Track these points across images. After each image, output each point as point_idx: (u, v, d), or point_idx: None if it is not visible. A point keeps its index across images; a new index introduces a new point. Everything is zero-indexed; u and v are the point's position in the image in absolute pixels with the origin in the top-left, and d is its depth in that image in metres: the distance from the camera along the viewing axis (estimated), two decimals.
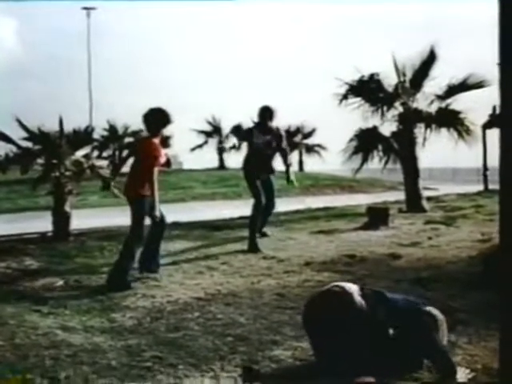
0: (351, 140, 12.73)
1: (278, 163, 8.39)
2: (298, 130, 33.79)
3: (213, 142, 34.39)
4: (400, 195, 13.62)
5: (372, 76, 12.40)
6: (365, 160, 12.69)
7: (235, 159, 28.14)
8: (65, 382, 3.44)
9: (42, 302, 5.30)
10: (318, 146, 34.50)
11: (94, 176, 9.34)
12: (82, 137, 9.78)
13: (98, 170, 9.26)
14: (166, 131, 6.56)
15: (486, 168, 17.93)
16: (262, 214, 8.06)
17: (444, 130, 12.52)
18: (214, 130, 34.23)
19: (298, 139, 33.24)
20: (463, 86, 12.38)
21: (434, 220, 9.99)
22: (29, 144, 9.37)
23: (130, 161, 6.41)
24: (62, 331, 4.42)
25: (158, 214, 6.10)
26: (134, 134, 25.27)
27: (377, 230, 9.02)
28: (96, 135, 18.82)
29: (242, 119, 25.10)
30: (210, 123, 34.23)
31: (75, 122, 10.52)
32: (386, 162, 12.67)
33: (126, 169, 6.49)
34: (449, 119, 12.43)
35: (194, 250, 7.79)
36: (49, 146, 9.18)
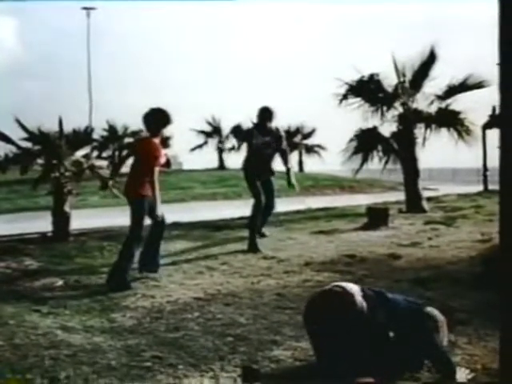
0: (351, 140, 12.72)
1: (277, 164, 8.40)
2: (298, 131, 33.78)
3: (213, 143, 34.40)
4: (400, 195, 13.62)
5: (372, 76, 12.39)
6: (365, 160, 12.68)
7: (235, 159, 28.16)
8: (64, 381, 3.44)
9: (42, 302, 5.31)
10: (318, 146, 34.50)
11: (93, 176, 9.34)
12: (82, 137, 9.79)
13: (97, 171, 9.25)
14: (166, 131, 6.56)
15: (485, 168, 17.92)
16: (262, 215, 8.05)
17: (444, 131, 12.51)
18: (214, 131, 34.22)
19: (297, 139, 33.23)
20: (463, 87, 12.38)
21: (434, 220, 9.99)
22: (28, 144, 9.38)
23: (130, 161, 6.41)
24: (62, 331, 4.42)
25: (159, 214, 6.10)
26: (134, 134, 25.28)
27: (377, 231, 9.02)
28: (96, 135, 18.78)
29: (242, 119, 25.12)
30: (209, 123, 34.22)
31: (75, 123, 10.55)
32: (386, 163, 12.66)
33: (126, 169, 6.49)
34: (449, 119, 12.43)
35: (193, 250, 7.79)
36: (48, 146, 9.18)
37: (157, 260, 6.35)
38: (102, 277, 6.13)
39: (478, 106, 13.20)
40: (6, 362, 3.76)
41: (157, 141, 6.18)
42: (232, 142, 32.97)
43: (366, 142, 12.61)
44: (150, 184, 6.00)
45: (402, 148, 12.34)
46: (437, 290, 5.35)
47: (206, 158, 34.19)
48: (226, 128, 33.63)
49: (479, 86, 12.29)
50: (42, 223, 9.42)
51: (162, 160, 6.21)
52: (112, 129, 29.67)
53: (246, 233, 7.97)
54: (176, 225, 9.49)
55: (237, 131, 30.65)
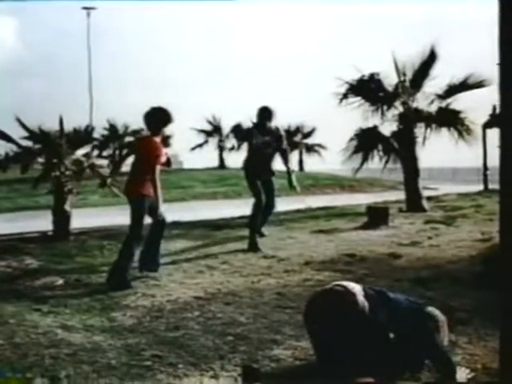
0: (351, 139, 12.73)
1: (278, 163, 8.39)
2: (298, 130, 33.79)
3: (213, 142, 34.42)
4: (400, 195, 13.62)
5: (372, 75, 12.40)
6: (365, 159, 12.69)
7: (235, 158, 28.16)
8: (65, 381, 3.44)
9: (42, 301, 5.31)
10: (318, 145, 34.52)
11: (94, 175, 9.34)
12: (82, 136, 9.79)
13: (98, 169, 9.27)
14: (167, 130, 6.56)
15: (486, 168, 17.92)
16: (262, 214, 8.05)
17: (444, 130, 12.53)
18: (214, 130, 34.23)
19: (297, 139, 33.25)
20: (463, 86, 12.38)
21: (434, 220, 9.99)
22: (29, 143, 9.39)
23: (131, 160, 6.41)
24: (62, 330, 4.42)
25: (160, 212, 6.11)
26: (134, 133, 25.26)
27: (377, 230, 9.03)
28: (96, 134, 18.75)
29: (242, 119, 25.09)
30: (210, 122, 34.23)
31: (75, 122, 10.54)
32: (386, 162, 12.67)
33: (126, 168, 6.50)
34: (449, 119, 12.43)
35: (194, 249, 7.79)
36: (49, 145, 9.19)
37: (157, 259, 6.35)
38: (102, 276, 6.13)
39: (478, 106, 13.23)
40: (6, 361, 3.76)
41: (158, 140, 6.18)
42: (232, 141, 32.98)
43: (366, 142, 12.62)
44: (150, 183, 6.01)
45: (403, 147, 12.35)
46: (437, 289, 5.35)
47: (207, 157, 34.24)
48: (226, 127, 33.69)
49: (479, 85, 12.30)
50: (42, 222, 9.42)
51: (163, 159, 6.22)
52: (112, 128, 29.67)
53: (246, 232, 7.97)
54: (176, 224, 9.50)
55: (237, 130, 30.66)
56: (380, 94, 12.46)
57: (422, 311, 3.55)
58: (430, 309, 3.60)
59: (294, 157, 28.04)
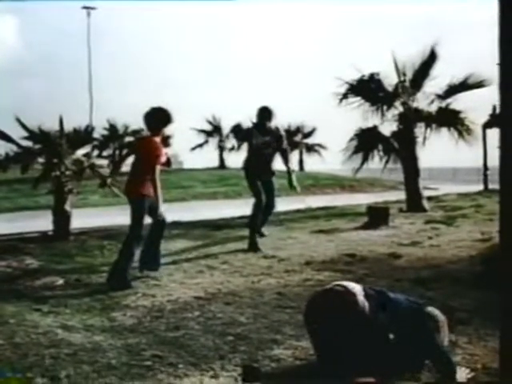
0: (351, 139, 12.73)
1: (278, 163, 8.39)
2: (298, 130, 33.83)
3: (213, 142, 34.45)
4: (400, 195, 13.63)
5: (372, 75, 12.40)
6: (365, 159, 12.69)
7: (235, 158, 28.19)
8: (65, 381, 3.44)
9: (43, 300, 5.31)
10: (319, 145, 34.56)
11: (94, 175, 9.34)
12: (83, 136, 9.80)
13: (98, 169, 9.27)
14: (167, 130, 6.56)
15: (486, 168, 17.93)
16: (262, 214, 8.05)
17: (444, 130, 12.53)
18: (215, 130, 34.26)
19: (298, 139, 33.29)
20: (463, 86, 12.38)
21: (435, 220, 10.00)
22: (29, 143, 9.40)
23: (131, 160, 6.41)
24: (62, 330, 4.42)
25: (160, 212, 6.12)
26: (134, 133, 25.32)
27: (377, 230, 9.03)
28: (96, 134, 18.86)
29: (243, 118, 25.11)
30: (210, 122, 34.26)
31: (75, 122, 10.56)
32: (387, 162, 12.68)
33: (126, 168, 6.50)
34: (449, 119, 12.44)
35: (194, 249, 7.79)
36: (49, 145, 9.19)
37: (157, 259, 6.35)
38: (102, 276, 6.13)
39: (478, 106, 13.23)
40: (6, 361, 3.76)
41: (158, 140, 6.18)
42: (232, 141, 33.01)
43: (366, 142, 12.62)
44: (150, 183, 6.01)
45: (403, 147, 12.35)
46: (437, 289, 5.35)
47: (207, 157, 34.30)
48: (226, 127, 33.72)
49: (479, 85, 12.31)
50: (42, 222, 9.43)
51: (163, 159, 6.22)
52: (112, 128, 29.71)
53: (246, 232, 7.97)
54: (176, 224, 9.50)
55: (237, 131, 30.68)
56: (380, 94, 12.46)
57: (422, 311, 3.55)
58: (430, 309, 3.59)
59: (294, 157, 28.07)
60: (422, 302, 3.78)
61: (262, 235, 8.24)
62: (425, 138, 12.41)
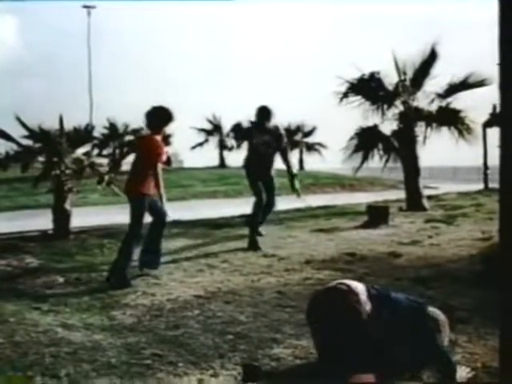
0: (352, 138, 12.73)
1: (278, 163, 8.37)
2: (299, 129, 33.85)
3: (213, 141, 34.45)
4: (400, 194, 13.63)
5: (372, 74, 12.40)
6: (365, 158, 12.69)
7: (236, 157, 28.17)
8: (65, 379, 3.45)
9: (42, 299, 5.31)
10: (319, 144, 34.56)
11: (94, 174, 9.34)
12: (83, 135, 9.80)
13: (98, 168, 9.27)
14: (167, 129, 6.57)
15: (486, 167, 17.93)
16: (262, 212, 8.04)
17: (444, 129, 12.53)
18: (215, 129, 34.27)
19: (298, 138, 33.29)
20: (464, 85, 12.38)
21: (435, 219, 10.00)
22: (29, 142, 9.40)
23: (131, 159, 6.41)
24: (62, 329, 4.43)
25: (165, 210, 6.12)
26: (134, 132, 25.29)
27: (377, 229, 9.03)
28: (96, 133, 18.84)
29: (243, 117, 25.12)
30: (210, 121, 34.28)
31: (75, 120, 10.55)
32: (387, 161, 12.68)
33: (126, 167, 6.49)
34: (449, 118, 12.44)
35: (194, 248, 7.79)
36: (49, 144, 9.20)
37: (157, 258, 6.35)
38: (102, 274, 6.13)
39: (478, 105, 13.24)
40: (6, 360, 3.76)
41: (159, 138, 6.19)
42: (232, 141, 33.00)
43: (366, 141, 12.62)
44: (151, 181, 6.01)
45: (403, 146, 12.35)
46: (437, 288, 5.35)
47: (207, 156, 34.32)
48: (226, 126, 33.73)
49: (480, 84, 12.31)
50: (42, 221, 9.43)
51: (164, 158, 6.22)
52: (112, 127, 29.72)
53: (246, 231, 7.97)
54: (176, 223, 9.49)
55: (237, 130, 30.67)
56: (380, 93, 12.47)
57: (423, 311, 3.54)
58: (431, 308, 3.58)
59: (294, 156, 28.05)
60: (423, 301, 3.77)
61: (259, 234, 8.22)
62: (425, 137, 12.42)
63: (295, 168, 8.55)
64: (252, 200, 7.99)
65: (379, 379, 3.20)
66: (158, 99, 6.59)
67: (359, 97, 12.54)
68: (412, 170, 12.20)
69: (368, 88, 12.44)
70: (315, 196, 18.43)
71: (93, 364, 3.66)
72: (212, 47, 67.50)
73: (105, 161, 9.92)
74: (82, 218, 9.84)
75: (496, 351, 3.14)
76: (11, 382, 3.36)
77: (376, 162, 12.79)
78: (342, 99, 12.51)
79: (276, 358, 3.73)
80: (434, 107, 12.55)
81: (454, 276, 5.76)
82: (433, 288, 5.35)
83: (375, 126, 12.61)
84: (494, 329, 3.72)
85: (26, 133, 9.27)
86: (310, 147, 34.55)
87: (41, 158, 9.40)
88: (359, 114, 12.56)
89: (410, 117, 12.34)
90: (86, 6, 38.85)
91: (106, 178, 6.60)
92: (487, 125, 16.53)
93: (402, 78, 12.50)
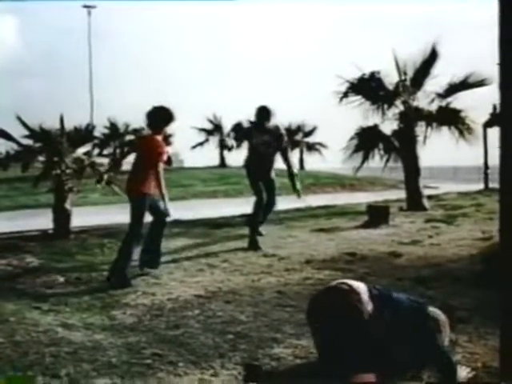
0: (352, 138, 12.73)
1: (279, 162, 8.36)
2: (299, 129, 33.85)
3: (214, 140, 34.45)
4: (401, 194, 13.62)
5: (373, 74, 12.39)
6: (365, 158, 12.69)
7: (236, 157, 28.15)
8: (65, 379, 3.45)
9: (43, 299, 5.31)
10: (319, 144, 34.56)
11: (94, 173, 9.34)
12: (83, 134, 9.79)
13: (98, 168, 9.27)
14: (168, 129, 6.57)
15: (486, 166, 17.92)
16: (262, 212, 8.03)
17: (445, 129, 12.53)
18: (215, 128, 34.26)
19: (298, 137, 33.29)
20: (464, 85, 12.38)
21: (435, 218, 9.99)
22: (30, 142, 9.39)
23: (131, 159, 6.41)
24: (63, 328, 4.43)
25: (166, 210, 6.12)
26: (135, 131, 25.31)
27: (377, 229, 9.03)
28: (97, 133, 18.77)
29: (243, 117, 25.11)
30: (210, 121, 34.27)
31: (76, 120, 10.53)
32: (387, 161, 12.68)
33: (127, 166, 6.49)
34: (450, 118, 12.43)
35: (194, 247, 7.79)
36: (50, 143, 9.19)
37: (157, 257, 6.35)
38: (102, 274, 6.13)
39: (478, 104, 13.24)
40: (6, 359, 3.76)
41: (160, 138, 6.19)
42: (230, 142, 32.95)
43: (366, 140, 12.62)
44: (152, 181, 6.01)
45: (403, 146, 12.35)
46: (437, 288, 5.35)
47: (207, 156, 34.34)
48: (227, 126, 33.70)
49: (480, 84, 12.30)
50: (42, 220, 9.43)
51: (164, 157, 6.22)
52: (113, 126, 29.69)
53: (246, 230, 7.97)
54: (177, 222, 9.49)
55: (237, 129, 30.65)
56: (381, 93, 12.46)
57: (423, 311, 3.53)
58: (431, 308, 3.58)
59: (294, 155, 28.02)
60: (423, 301, 3.77)
61: (259, 234, 8.22)
62: (425, 137, 12.41)
63: (296, 168, 8.54)
64: (252, 200, 7.98)
65: (380, 379, 3.20)
66: (159, 99, 6.59)
67: (359, 96, 12.54)
68: (412, 170, 12.20)
69: (368, 88, 12.43)
70: (315, 196, 18.43)
71: (93, 364, 3.66)
72: (212, 47, 67.57)
73: (105, 160, 9.93)
74: (82, 217, 9.84)
75: (496, 351, 3.14)
76: (11, 382, 3.36)
77: (376, 161, 12.79)
78: (342, 99, 12.51)
79: (276, 358, 3.73)
80: (434, 107, 12.55)
81: (455, 276, 5.76)
82: (433, 288, 5.35)
83: (375, 126, 12.61)
84: (494, 328, 3.71)
85: (26, 132, 9.26)
86: (311, 147, 34.54)
87: (41, 158, 9.39)
88: (359, 114, 12.58)
89: (411, 116, 12.34)
90: (86, 6, 38.88)
91: (105, 177, 6.59)
92: (487, 125, 16.53)
93: (403, 77, 12.49)
